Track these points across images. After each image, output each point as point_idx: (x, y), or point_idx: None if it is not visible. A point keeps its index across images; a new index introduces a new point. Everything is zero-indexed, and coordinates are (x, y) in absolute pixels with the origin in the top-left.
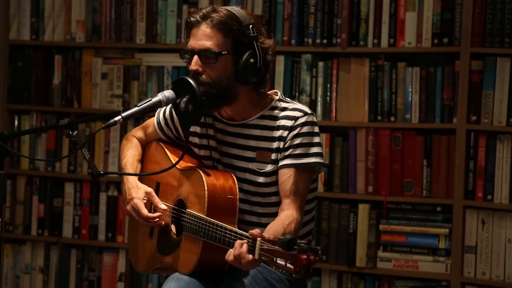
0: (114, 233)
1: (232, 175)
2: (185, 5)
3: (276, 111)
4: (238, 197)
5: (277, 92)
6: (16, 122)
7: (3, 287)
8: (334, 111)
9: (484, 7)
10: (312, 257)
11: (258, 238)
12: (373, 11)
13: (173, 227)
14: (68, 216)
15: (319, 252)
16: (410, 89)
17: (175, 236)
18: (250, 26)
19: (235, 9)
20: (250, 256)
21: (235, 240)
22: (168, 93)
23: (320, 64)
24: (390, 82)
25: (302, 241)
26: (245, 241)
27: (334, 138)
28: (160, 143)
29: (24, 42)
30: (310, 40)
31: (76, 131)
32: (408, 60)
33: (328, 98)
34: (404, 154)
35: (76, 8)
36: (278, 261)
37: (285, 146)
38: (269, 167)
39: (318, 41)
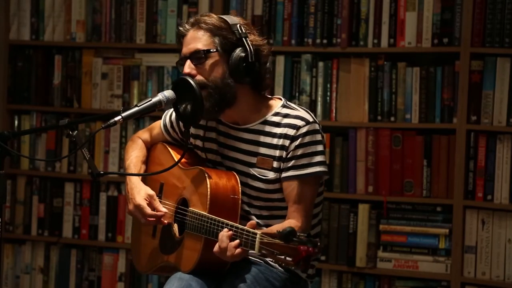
0: (114, 233)
1: (235, 174)
2: (185, 5)
3: (279, 118)
4: (240, 197)
5: (281, 98)
6: (16, 122)
7: (3, 287)
8: (334, 111)
9: (484, 7)
10: (311, 249)
11: (259, 232)
12: (373, 11)
13: (175, 226)
14: (68, 216)
15: (318, 244)
16: (410, 89)
17: (177, 235)
18: (238, 25)
19: (225, 16)
20: (237, 250)
21: (236, 235)
22: (168, 93)
23: (320, 64)
24: (390, 82)
25: (302, 234)
26: (230, 232)
27: (334, 138)
28: (165, 144)
29: (24, 42)
30: (310, 40)
31: (76, 131)
32: (408, 60)
33: (328, 98)
34: (404, 154)
35: (76, 8)
36: (277, 255)
37: (288, 156)
38: (271, 175)
39: (318, 41)
